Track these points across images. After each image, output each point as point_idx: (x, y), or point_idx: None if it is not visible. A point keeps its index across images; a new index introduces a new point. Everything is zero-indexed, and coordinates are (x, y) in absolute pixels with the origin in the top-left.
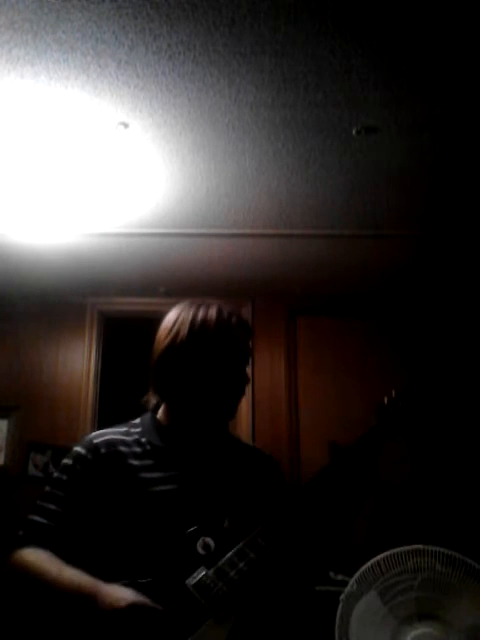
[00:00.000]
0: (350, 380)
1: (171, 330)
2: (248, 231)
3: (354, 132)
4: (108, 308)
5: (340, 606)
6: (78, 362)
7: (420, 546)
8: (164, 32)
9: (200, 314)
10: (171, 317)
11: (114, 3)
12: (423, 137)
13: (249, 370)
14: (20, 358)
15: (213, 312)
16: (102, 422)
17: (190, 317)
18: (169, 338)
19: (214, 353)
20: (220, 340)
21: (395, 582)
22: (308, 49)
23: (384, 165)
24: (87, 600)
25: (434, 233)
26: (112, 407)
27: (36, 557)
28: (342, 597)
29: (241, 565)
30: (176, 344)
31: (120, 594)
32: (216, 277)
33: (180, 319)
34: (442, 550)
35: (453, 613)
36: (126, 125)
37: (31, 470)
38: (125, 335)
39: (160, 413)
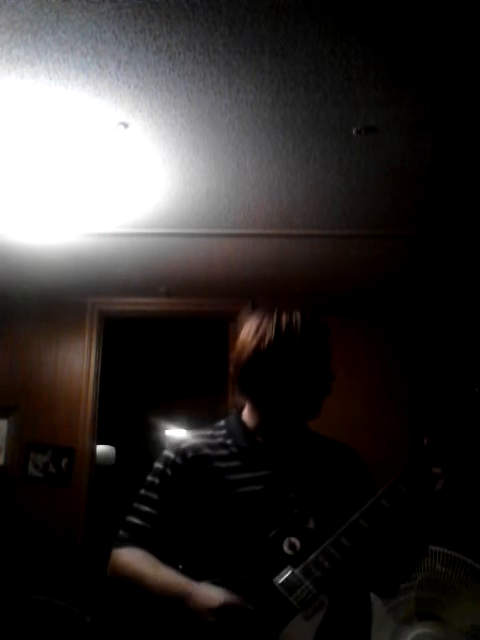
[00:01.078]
0: (350, 379)
1: (257, 333)
2: (248, 231)
3: (354, 132)
4: (108, 308)
5: None
6: (78, 362)
7: None
8: (164, 32)
9: (284, 317)
10: (255, 321)
11: (114, 3)
12: (423, 137)
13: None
14: (20, 358)
15: (297, 315)
16: (102, 422)
17: (275, 320)
18: (256, 341)
19: (303, 352)
20: (307, 340)
21: None
22: (308, 49)
23: (384, 165)
24: (180, 598)
25: (434, 233)
26: (112, 407)
27: (133, 556)
28: None
29: (326, 564)
30: (263, 346)
31: (212, 593)
32: (216, 277)
33: (265, 323)
34: (442, 550)
35: (453, 613)
36: (126, 125)
37: (31, 470)
38: (125, 335)
39: (245, 415)
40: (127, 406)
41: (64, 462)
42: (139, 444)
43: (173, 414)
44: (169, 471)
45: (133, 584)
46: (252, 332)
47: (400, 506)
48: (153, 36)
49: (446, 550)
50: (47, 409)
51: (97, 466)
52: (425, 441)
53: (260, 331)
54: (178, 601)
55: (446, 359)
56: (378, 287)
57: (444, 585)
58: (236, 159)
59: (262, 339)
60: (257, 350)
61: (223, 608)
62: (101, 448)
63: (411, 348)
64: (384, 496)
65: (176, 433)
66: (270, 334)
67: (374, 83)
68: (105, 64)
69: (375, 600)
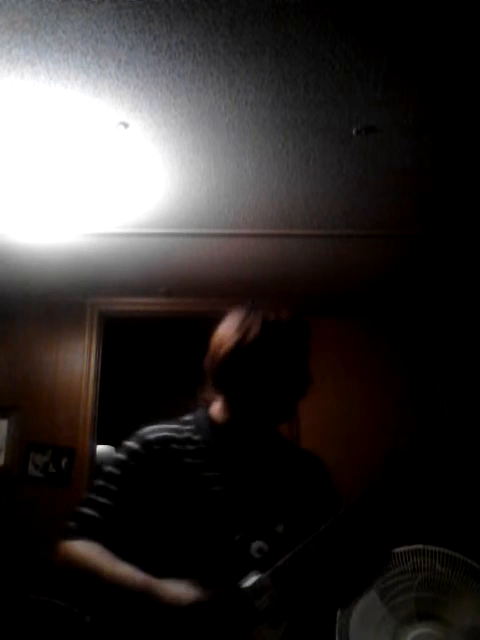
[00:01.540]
0: (350, 380)
1: (240, 328)
2: (248, 231)
3: (354, 132)
4: (108, 308)
5: None
6: (78, 362)
7: (420, 546)
8: (164, 32)
9: (271, 314)
10: (237, 317)
11: (114, 3)
12: (423, 137)
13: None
14: (20, 358)
15: (283, 313)
16: (102, 422)
17: (261, 316)
18: (239, 335)
19: (287, 351)
20: (292, 338)
21: (395, 582)
22: (308, 49)
23: (384, 165)
24: (145, 595)
25: (434, 233)
26: (112, 407)
27: (89, 549)
28: None
29: (295, 570)
30: (246, 341)
31: (182, 590)
32: (216, 277)
33: (250, 318)
34: (442, 550)
35: (453, 613)
36: (126, 125)
37: (31, 470)
38: (125, 335)
39: (214, 411)
40: (127, 406)
41: (64, 462)
42: None
43: (172, 414)
44: (132, 462)
45: (89, 579)
46: (235, 327)
47: (373, 515)
48: (153, 36)
49: (446, 550)
50: (47, 409)
51: (97, 466)
52: (403, 450)
53: (244, 326)
54: (141, 598)
55: (446, 359)
56: (378, 287)
57: (444, 585)
58: (236, 159)
59: (246, 334)
60: (239, 345)
61: (194, 605)
62: (101, 448)
63: (411, 349)
64: (357, 505)
65: None
66: (255, 329)
67: (374, 83)
68: (105, 64)
69: (375, 600)
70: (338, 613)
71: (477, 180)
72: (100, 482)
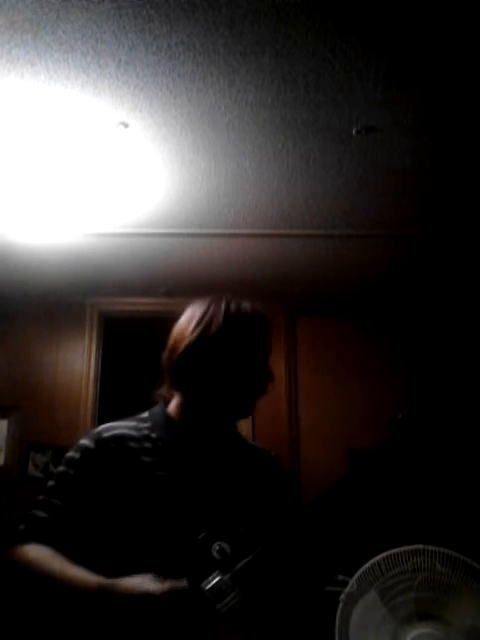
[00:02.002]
0: (350, 380)
1: (202, 320)
2: (248, 231)
3: (354, 132)
4: (108, 308)
5: (340, 606)
6: (78, 362)
7: (420, 546)
8: (164, 32)
9: (233, 306)
10: (200, 308)
11: (114, 3)
12: (423, 137)
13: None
14: (20, 358)
15: (247, 305)
16: (102, 422)
17: (223, 308)
18: (201, 328)
19: (249, 344)
20: (255, 332)
21: (395, 582)
22: (308, 49)
23: (384, 165)
24: (105, 594)
25: (434, 233)
26: (112, 407)
27: (40, 554)
28: (342, 597)
29: (258, 571)
30: (209, 334)
31: (147, 583)
32: (216, 277)
33: (212, 310)
34: (442, 550)
35: (453, 613)
36: (126, 125)
37: (31, 470)
38: (125, 335)
39: (171, 408)
40: (127, 406)
41: None
42: None
43: None
44: (86, 462)
45: (40, 584)
46: (195, 320)
47: (336, 513)
48: (153, 36)
49: (446, 550)
50: (47, 409)
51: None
52: (367, 449)
53: (205, 319)
54: (99, 597)
55: (446, 359)
56: (378, 287)
57: (444, 585)
58: (236, 159)
59: (208, 327)
60: (202, 338)
61: (167, 594)
62: None
63: (411, 348)
64: (320, 503)
65: None
66: (217, 322)
67: (374, 83)
68: (105, 64)
69: (375, 600)
70: (338, 613)
71: (477, 180)
72: (52, 483)
